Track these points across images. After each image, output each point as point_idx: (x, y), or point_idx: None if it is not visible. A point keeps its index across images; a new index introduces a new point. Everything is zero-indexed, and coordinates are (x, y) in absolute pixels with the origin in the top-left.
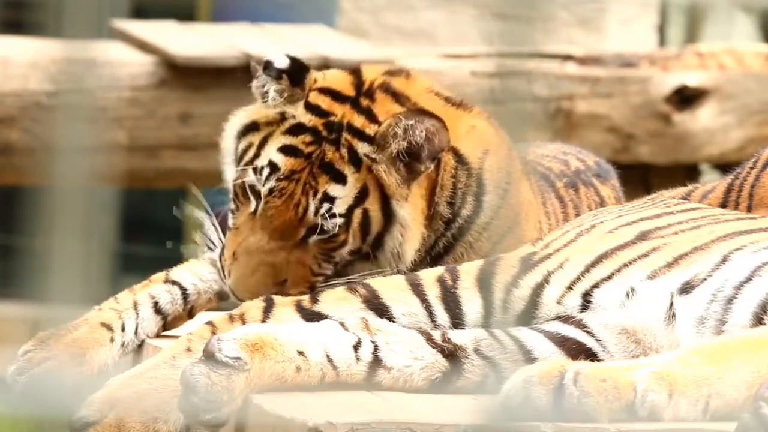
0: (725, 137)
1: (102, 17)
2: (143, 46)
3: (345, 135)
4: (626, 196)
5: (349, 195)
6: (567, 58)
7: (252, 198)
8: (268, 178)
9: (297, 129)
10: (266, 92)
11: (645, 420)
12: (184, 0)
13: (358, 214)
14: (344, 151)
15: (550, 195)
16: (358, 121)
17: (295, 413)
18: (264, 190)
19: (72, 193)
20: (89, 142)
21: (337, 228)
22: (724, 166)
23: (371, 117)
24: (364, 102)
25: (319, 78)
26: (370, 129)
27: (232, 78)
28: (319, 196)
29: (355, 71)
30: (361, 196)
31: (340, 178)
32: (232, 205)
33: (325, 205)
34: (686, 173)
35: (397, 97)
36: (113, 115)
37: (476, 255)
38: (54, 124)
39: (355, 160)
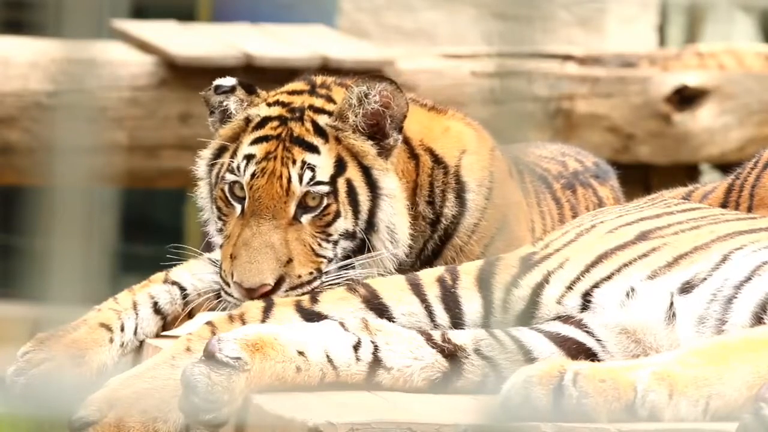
0: (725, 137)
1: (102, 17)
2: (143, 46)
3: (307, 112)
4: (626, 197)
5: (327, 164)
6: (567, 58)
7: (235, 202)
8: (246, 167)
9: (263, 122)
10: (226, 109)
11: (645, 420)
12: (184, 0)
13: (342, 183)
14: (308, 125)
15: (546, 196)
16: (318, 102)
17: (295, 413)
18: (246, 178)
19: (72, 193)
20: (89, 142)
21: (324, 199)
22: (724, 166)
23: (329, 99)
24: (321, 90)
25: (271, 92)
26: (330, 107)
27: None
28: (298, 164)
29: (304, 78)
30: (340, 166)
31: (313, 149)
32: (218, 225)
33: (307, 173)
34: (686, 173)
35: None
36: (113, 115)
37: (467, 258)
38: (54, 124)
39: (320, 131)
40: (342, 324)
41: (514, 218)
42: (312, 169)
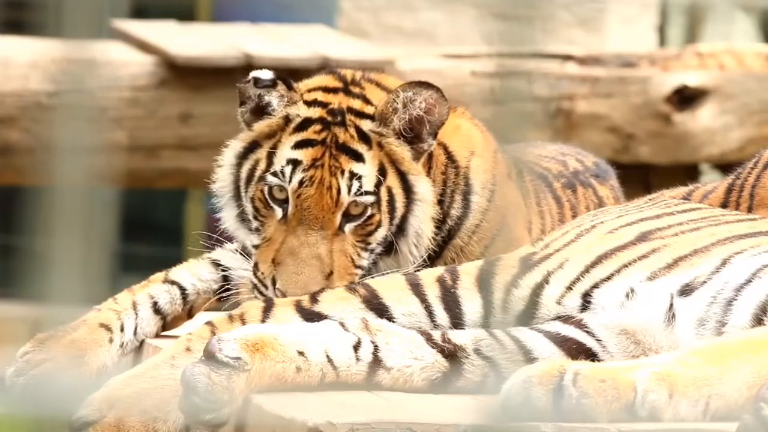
0: (725, 137)
1: (102, 17)
2: (143, 46)
3: (348, 116)
4: (626, 197)
5: (371, 173)
6: (567, 58)
7: (276, 206)
8: (293, 173)
9: (305, 124)
10: (267, 104)
11: (645, 420)
12: (184, 0)
13: (384, 192)
14: (352, 131)
15: (546, 195)
16: (356, 104)
17: (295, 413)
18: (293, 185)
19: (72, 193)
20: (89, 142)
21: (369, 208)
22: (724, 166)
23: (366, 100)
24: (355, 90)
25: (302, 84)
26: (369, 109)
27: (232, 78)
28: (347, 174)
29: (332, 71)
30: (382, 174)
31: (358, 157)
32: (254, 224)
33: (355, 183)
34: (686, 173)
35: (382, 87)
36: (113, 115)
37: (467, 259)
38: (54, 124)
39: (364, 137)
40: (342, 324)
41: (514, 219)
42: (359, 179)
